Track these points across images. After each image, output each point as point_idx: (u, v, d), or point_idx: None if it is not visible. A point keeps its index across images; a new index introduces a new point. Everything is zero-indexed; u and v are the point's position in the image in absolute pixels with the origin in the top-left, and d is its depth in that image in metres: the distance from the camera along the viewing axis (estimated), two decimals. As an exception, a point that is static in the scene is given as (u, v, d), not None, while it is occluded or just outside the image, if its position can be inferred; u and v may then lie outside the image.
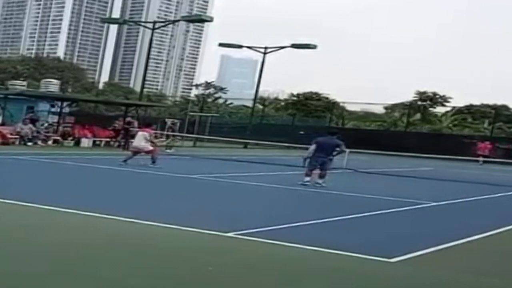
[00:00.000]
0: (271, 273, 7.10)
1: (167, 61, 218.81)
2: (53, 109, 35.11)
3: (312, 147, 17.68)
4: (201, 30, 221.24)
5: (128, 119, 34.92)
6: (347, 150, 24.84)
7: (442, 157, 34.15)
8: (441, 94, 65.67)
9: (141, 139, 20.85)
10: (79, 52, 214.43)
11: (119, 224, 9.54)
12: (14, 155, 21.87)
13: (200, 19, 51.38)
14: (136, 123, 34.86)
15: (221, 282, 6.61)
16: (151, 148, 20.77)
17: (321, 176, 17.18)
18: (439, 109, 62.71)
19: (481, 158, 34.22)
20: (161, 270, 6.83)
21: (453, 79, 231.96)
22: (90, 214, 10.03)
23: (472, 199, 16.85)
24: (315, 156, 17.41)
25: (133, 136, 33.18)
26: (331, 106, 59.30)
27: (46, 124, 32.39)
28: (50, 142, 29.17)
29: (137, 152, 20.91)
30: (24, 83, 45.78)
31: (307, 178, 17.22)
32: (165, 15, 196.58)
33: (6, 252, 7.23)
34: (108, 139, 32.71)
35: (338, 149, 17.63)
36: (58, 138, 30.42)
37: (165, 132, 34.46)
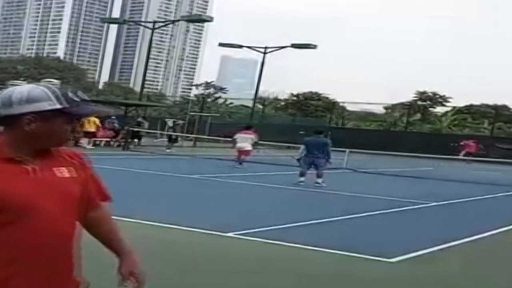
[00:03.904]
0: (271, 273, 7.08)
1: (167, 61, 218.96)
2: (53, 109, 34.95)
3: (302, 147, 18.03)
4: (201, 30, 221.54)
5: (139, 119, 34.55)
6: (347, 150, 25.05)
7: (441, 157, 34.29)
8: (441, 94, 65.72)
9: (247, 141, 22.56)
10: (79, 52, 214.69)
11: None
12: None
13: (200, 19, 51.27)
14: (146, 124, 34.53)
15: (221, 283, 6.60)
16: (250, 148, 22.54)
17: (319, 176, 17.24)
18: (439, 109, 62.77)
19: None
20: (158, 271, 6.81)
21: (453, 79, 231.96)
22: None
23: (472, 199, 16.81)
24: (307, 156, 17.61)
25: (141, 138, 33.17)
26: (331, 106, 59.28)
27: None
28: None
29: (241, 152, 22.43)
30: (24, 83, 45.71)
31: (301, 178, 17.34)
32: (165, 15, 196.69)
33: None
34: (108, 139, 32.66)
35: (327, 148, 17.71)
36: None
37: (165, 132, 34.31)
